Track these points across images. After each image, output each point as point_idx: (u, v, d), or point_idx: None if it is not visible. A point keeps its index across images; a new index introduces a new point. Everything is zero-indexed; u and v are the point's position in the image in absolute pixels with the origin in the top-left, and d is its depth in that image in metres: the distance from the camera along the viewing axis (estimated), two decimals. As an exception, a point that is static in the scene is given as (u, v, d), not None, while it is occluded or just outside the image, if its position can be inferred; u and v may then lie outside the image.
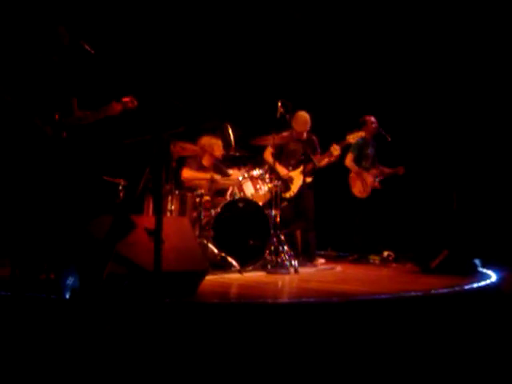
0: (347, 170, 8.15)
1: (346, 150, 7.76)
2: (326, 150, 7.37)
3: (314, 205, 7.48)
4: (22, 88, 4.73)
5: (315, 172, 7.36)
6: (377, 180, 8.14)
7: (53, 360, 2.86)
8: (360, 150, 7.98)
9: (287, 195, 7.22)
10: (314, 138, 7.54)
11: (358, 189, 8.12)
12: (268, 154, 7.32)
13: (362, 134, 7.42)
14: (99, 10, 7.11)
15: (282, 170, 7.31)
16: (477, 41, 8.09)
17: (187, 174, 6.94)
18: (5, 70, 4.84)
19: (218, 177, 6.81)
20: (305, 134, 7.41)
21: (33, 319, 3.55)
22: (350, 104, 8.86)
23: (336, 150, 7.19)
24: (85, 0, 6.96)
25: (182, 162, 7.03)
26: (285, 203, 7.26)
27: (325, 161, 7.28)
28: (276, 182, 6.84)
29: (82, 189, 4.87)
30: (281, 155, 7.43)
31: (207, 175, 6.81)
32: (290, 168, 7.33)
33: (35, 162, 4.66)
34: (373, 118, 8.16)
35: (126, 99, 5.02)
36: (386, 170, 8.24)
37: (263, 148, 7.37)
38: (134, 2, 7.58)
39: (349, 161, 7.99)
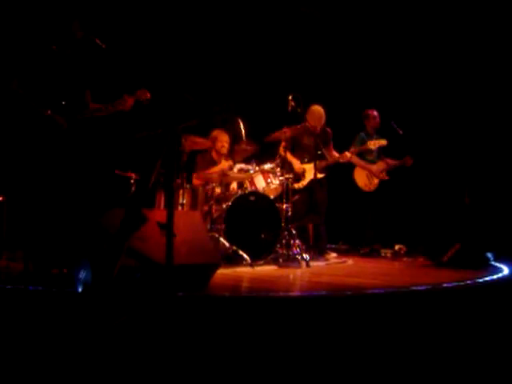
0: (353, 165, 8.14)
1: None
2: (341, 144, 7.44)
3: (327, 198, 7.49)
4: (35, 81, 4.76)
5: (328, 168, 7.37)
6: (383, 172, 8.12)
7: (65, 353, 2.88)
8: (363, 144, 7.94)
9: (295, 186, 7.21)
10: (328, 130, 7.51)
11: (363, 182, 8.10)
12: (281, 149, 7.30)
13: (383, 142, 7.45)
14: (111, 4, 7.11)
15: (295, 163, 7.30)
16: (494, 34, 8.04)
17: (197, 178, 6.94)
18: (19, 64, 4.87)
19: (229, 170, 6.82)
20: (319, 128, 7.37)
21: (45, 313, 3.58)
22: (363, 97, 8.82)
23: (346, 156, 7.29)
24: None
25: (193, 158, 7.04)
26: (296, 196, 7.26)
27: (335, 160, 7.36)
28: (287, 175, 6.84)
29: (95, 183, 4.89)
30: (295, 148, 7.43)
31: (218, 169, 6.82)
32: (306, 160, 7.31)
33: (49, 155, 4.69)
34: (375, 112, 8.19)
35: (138, 92, 5.04)
36: (392, 162, 8.20)
37: (275, 142, 7.35)
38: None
39: (352, 155, 7.94)
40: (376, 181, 8.09)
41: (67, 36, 4.86)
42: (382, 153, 8.18)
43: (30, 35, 5.76)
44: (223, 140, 7.11)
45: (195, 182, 6.90)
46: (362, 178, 8.12)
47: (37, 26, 5.77)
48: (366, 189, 8.13)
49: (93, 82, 5.09)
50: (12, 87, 4.72)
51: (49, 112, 4.68)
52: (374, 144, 7.50)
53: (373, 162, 8.11)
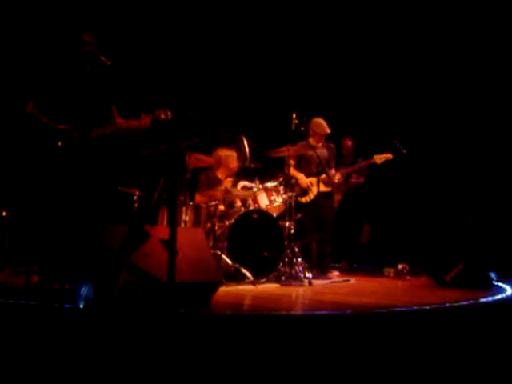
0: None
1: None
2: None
3: (333, 215, 7.48)
4: (57, 99, 4.81)
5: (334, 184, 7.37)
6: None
7: (65, 369, 2.87)
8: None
9: (303, 200, 7.21)
10: (331, 145, 7.53)
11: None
12: (291, 169, 7.28)
13: (389, 156, 7.42)
14: (115, 21, 7.18)
15: (301, 178, 7.30)
16: (495, 54, 8.07)
17: (200, 199, 6.92)
18: (38, 82, 4.92)
19: (232, 188, 6.82)
20: (321, 144, 7.37)
21: (46, 328, 3.57)
22: (365, 113, 8.85)
23: (337, 176, 7.35)
24: (97, 10, 7.04)
25: (196, 176, 7.04)
26: (299, 215, 7.26)
27: (336, 178, 7.39)
28: (290, 193, 6.84)
29: (98, 199, 4.90)
30: (300, 164, 7.43)
31: (220, 190, 6.81)
32: (311, 176, 7.31)
33: (54, 171, 4.71)
34: (348, 141, 8.54)
35: (157, 111, 5.06)
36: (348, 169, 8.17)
37: (278, 160, 7.35)
38: (149, 14, 7.65)
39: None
40: (336, 203, 8.11)
41: (84, 51, 4.91)
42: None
43: (48, 51, 5.84)
44: (235, 159, 7.12)
45: (198, 200, 6.89)
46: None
47: (55, 46, 5.83)
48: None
49: (116, 96, 5.13)
50: (26, 110, 4.78)
51: (62, 126, 4.72)
52: (380, 158, 7.44)
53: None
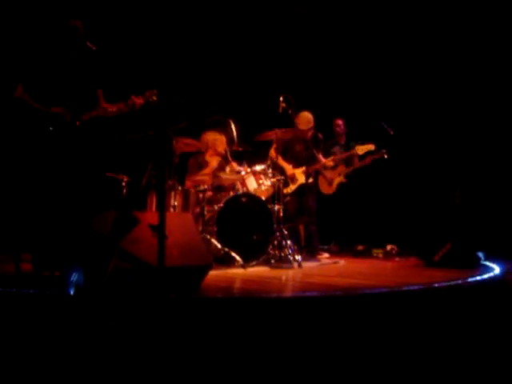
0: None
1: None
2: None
3: (315, 203, 7.58)
4: (44, 83, 4.79)
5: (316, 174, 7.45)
6: (336, 177, 8.26)
7: (56, 356, 2.87)
8: (348, 149, 8.05)
9: (284, 191, 7.26)
10: (319, 135, 7.59)
11: (322, 186, 8.26)
12: (273, 151, 7.35)
13: (370, 146, 7.46)
14: (101, 5, 7.12)
15: (288, 168, 7.39)
16: (478, 36, 8.08)
17: (190, 181, 6.94)
18: (26, 66, 4.89)
19: (220, 172, 6.82)
20: (309, 133, 7.43)
21: (37, 316, 3.57)
22: (354, 97, 8.85)
23: (330, 162, 7.38)
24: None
25: (184, 160, 7.03)
26: (288, 198, 7.30)
27: (326, 165, 7.46)
28: (279, 177, 6.86)
29: (86, 185, 4.89)
30: (286, 153, 7.49)
31: (210, 172, 6.82)
32: (295, 166, 7.40)
33: (42, 157, 4.70)
34: (339, 121, 8.56)
35: (147, 93, 5.06)
36: (357, 164, 8.24)
37: (266, 144, 7.38)
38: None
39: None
40: (334, 185, 8.18)
41: (72, 37, 4.88)
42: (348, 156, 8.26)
43: (35, 37, 5.79)
44: (223, 142, 7.12)
45: (188, 184, 6.90)
46: (321, 182, 8.16)
47: (42, 30, 5.79)
48: (325, 192, 8.20)
49: (103, 81, 5.12)
50: (15, 94, 4.75)
51: (52, 110, 4.71)
52: (361, 149, 7.52)
53: (333, 168, 8.23)
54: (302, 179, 7.32)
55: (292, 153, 7.51)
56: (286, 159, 7.49)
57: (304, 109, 7.42)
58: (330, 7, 8.78)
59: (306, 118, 7.40)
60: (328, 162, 7.51)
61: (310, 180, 7.36)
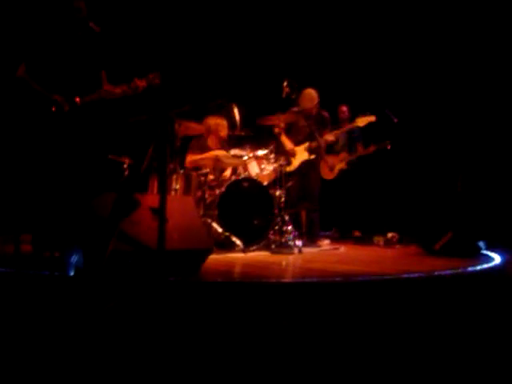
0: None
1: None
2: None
3: (319, 180, 7.52)
4: (48, 63, 4.76)
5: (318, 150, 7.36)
6: (337, 164, 8.31)
7: (55, 338, 2.88)
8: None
9: (287, 169, 7.22)
10: (324, 114, 7.48)
11: (323, 171, 8.16)
12: (282, 135, 7.31)
13: (371, 118, 7.38)
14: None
15: (287, 144, 7.32)
16: (480, 30, 8.04)
17: (191, 159, 6.93)
18: (29, 46, 4.87)
19: (222, 156, 6.80)
20: (314, 111, 7.36)
21: (36, 297, 3.57)
22: (357, 83, 8.82)
23: (331, 136, 7.31)
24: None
25: (188, 142, 7.02)
26: (290, 183, 7.27)
27: (328, 140, 7.37)
28: (281, 162, 6.84)
29: (88, 167, 4.88)
30: (290, 131, 7.44)
31: (212, 155, 6.80)
32: (298, 143, 7.34)
33: (44, 139, 4.68)
34: (344, 107, 8.57)
35: (151, 75, 5.04)
36: (362, 151, 8.30)
37: (269, 128, 7.34)
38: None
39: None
40: (335, 170, 8.17)
41: (76, 17, 4.85)
42: (352, 144, 8.22)
43: (39, 17, 5.76)
44: (226, 127, 7.09)
45: (188, 163, 6.88)
46: (323, 167, 8.13)
47: (43, 8, 5.76)
48: (325, 177, 8.18)
49: (106, 63, 5.09)
50: (17, 74, 4.73)
51: (53, 96, 4.68)
52: (362, 121, 7.42)
53: (336, 153, 8.19)
54: (303, 156, 7.24)
55: (297, 129, 7.43)
56: (290, 136, 7.43)
57: (308, 87, 7.37)
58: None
59: (309, 95, 7.31)
60: (329, 136, 7.38)
61: (312, 156, 7.25)
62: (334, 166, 8.21)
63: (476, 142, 8.17)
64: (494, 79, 8.08)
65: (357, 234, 8.38)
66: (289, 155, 7.27)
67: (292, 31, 8.82)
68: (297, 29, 8.85)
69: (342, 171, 8.36)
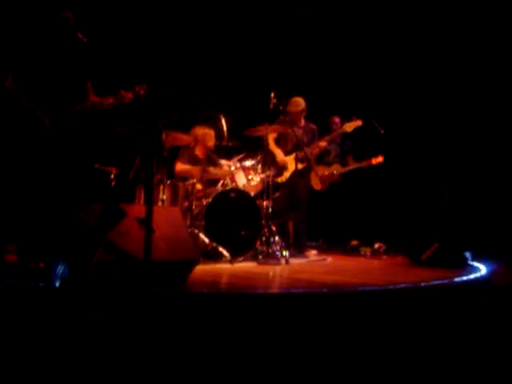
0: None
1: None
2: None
3: (308, 189, 7.53)
4: (35, 74, 4.74)
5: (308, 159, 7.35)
6: (326, 178, 8.28)
7: (40, 349, 2.85)
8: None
9: (278, 180, 7.22)
10: (312, 126, 7.53)
11: (313, 181, 8.13)
12: (271, 144, 7.30)
13: (358, 123, 7.40)
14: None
15: (279, 155, 7.32)
16: (473, 35, 8.10)
17: (180, 167, 6.94)
18: (17, 57, 4.84)
19: (210, 167, 6.81)
20: (302, 122, 7.40)
21: (21, 307, 3.54)
22: (345, 95, 8.85)
23: (323, 142, 7.32)
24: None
25: (175, 153, 7.02)
26: (277, 194, 7.27)
27: (315, 150, 7.37)
28: (268, 172, 6.84)
29: (74, 177, 4.85)
30: (279, 141, 7.45)
31: (200, 166, 6.81)
32: (286, 153, 7.35)
33: (30, 149, 4.65)
34: (336, 119, 8.41)
35: (137, 87, 5.03)
36: (353, 165, 8.31)
37: (256, 139, 7.34)
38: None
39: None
40: (327, 183, 8.20)
41: (64, 28, 4.84)
42: (343, 156, 8.25)
43: (26, 27, 5.74)
44: (213, 137, 7.10)
45: (177, 172, 6.89)
46: (313, 177, 8.13)
47: (31, 18, 5.75)
48: (316, 187, 8.18)
49: (93, 74, 5.08)
50: (5, 85, 4.70)
51: (40, 113, 4.66)
52: (349, 126, 7.45)
53: (327, 164, 8.21)
54: (294, 166, 7.23)
55: (285, 139, 7.43)
56: (278, 146, 7.43)
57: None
58: (324, 5, 8.77)
59: (295, 101, 7.33)
60: (322, 142, 7.42)
61: (302, 165, 7.24)
62: (325, 177, 8.21)
63: (463, 155, 8.23)
64: (479, 95, 8.15)
65: (354, 243, 8.35)
66: (281, 168, 7.28)
67: (279, 43, 8.84)
68: (284, 40, 8.88)
69: (333, 183, 8.36)
